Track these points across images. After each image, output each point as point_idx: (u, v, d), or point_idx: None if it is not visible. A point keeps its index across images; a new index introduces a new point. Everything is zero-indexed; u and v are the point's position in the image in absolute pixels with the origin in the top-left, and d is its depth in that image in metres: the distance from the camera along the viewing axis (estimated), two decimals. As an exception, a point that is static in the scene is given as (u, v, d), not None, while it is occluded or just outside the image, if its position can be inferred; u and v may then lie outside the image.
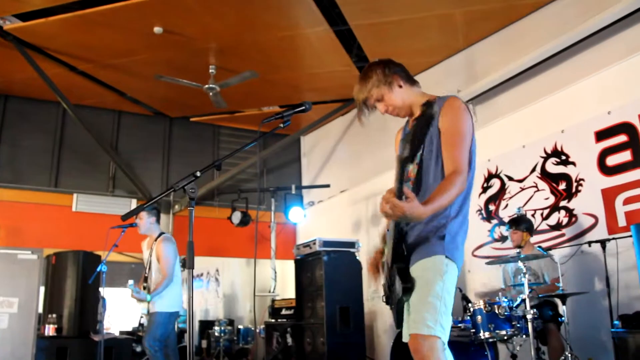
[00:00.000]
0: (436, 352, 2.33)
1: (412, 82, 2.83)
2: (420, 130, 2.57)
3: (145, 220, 5.85)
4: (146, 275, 5.85)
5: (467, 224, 2.65)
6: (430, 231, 2.53)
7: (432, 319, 2.35)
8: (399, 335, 5.38)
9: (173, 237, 6.02)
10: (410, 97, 2.77)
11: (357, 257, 6.71)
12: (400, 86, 2.76)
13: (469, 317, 4.83)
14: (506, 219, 6.25)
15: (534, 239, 5.61)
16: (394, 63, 2.84)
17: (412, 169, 2.65)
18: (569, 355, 4.45)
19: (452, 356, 2.41)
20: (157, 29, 6.64)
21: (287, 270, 8.90)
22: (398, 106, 2.76)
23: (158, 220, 5.98)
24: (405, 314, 2.59)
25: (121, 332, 10.22)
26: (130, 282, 5.81)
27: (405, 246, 2.56)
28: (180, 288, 5.82)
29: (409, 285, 2.50)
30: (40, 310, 7.52)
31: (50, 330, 7.08)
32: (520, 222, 5.35)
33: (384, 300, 2.81)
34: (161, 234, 5.92)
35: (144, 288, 5.76)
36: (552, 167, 5.89)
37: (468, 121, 2.60)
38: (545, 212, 5.90)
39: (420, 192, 2.58)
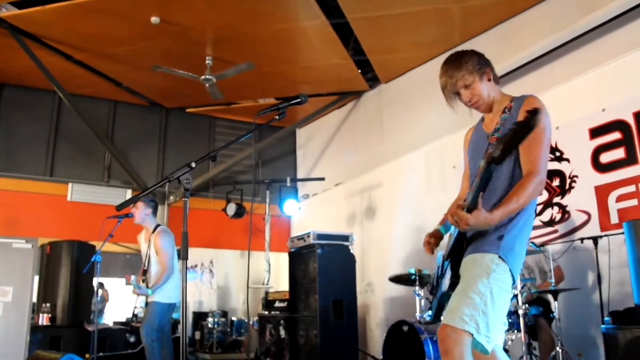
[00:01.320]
0: (460, 348, 2.27)
1: (498, 80, 2.81)
2: (519, 134, 2.17)
3: (141, 211, 5.85)
4: (145, 268, 5.85)
5: (530, 230, 2.57)
6: (493, 228, 2.45)
7: (468, 314, 2.29)
8: (391, 329, 5.41)
9: (168, 227, 6.03)
10: (493, 94, 2.75)
11: (351, 251, 6.72)
12: (490, 80, 2.75)
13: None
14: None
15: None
16: (486, 57, 2.84)
17: (482, 164, 2.44)
18: (560, 350, 4.49)
19: None
20: (154, 19, 6.62)
21: (281, 262, 8.92)
22: (483, 98, 2.73)
23: (154, 213, 5.98)
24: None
25: (115, 323, 10.22)
26: (133, 277, 5.83)
27: (465, 241, 2.54)
28: (178, 279, 5.82)
29: (456, 280, 2.49)
30: (35, 299, 7.53)
31: (44, 319, 7.10)
32: None
33: (429, 290, 2.81)
34: (157, 226, 5.92)
35: (143, 281, 5.77)
36: (546, 164, 5.90)
37: (547, 122, 2.56)
38: (539, 208, 5.92)
39: (489, 187, 2.47)
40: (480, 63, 2.74)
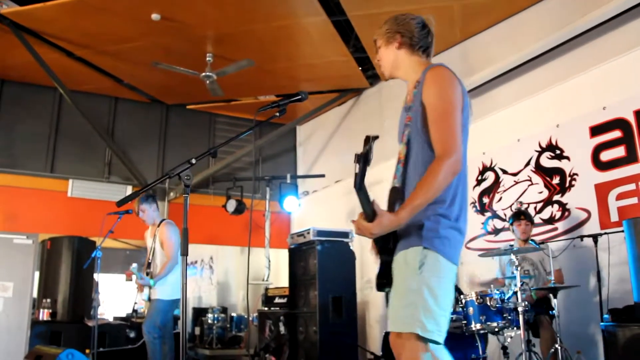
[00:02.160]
0: (409, 352, 2.19)
1: (416, 49, 2.58)
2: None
3: (149, 211, 5.92)
4: (149, 261, 5.87)
5: (460, 208, 2.38)
6: (412, 220, 2.27)
7: (408, 315, 2.19)
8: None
9: (173, 221, 6.06)
10: (403, 63, 2.60)
11: (351, 247, 6.74)
12: (398, 47, 2.58)
13: (460, 309, 4.87)
14: (500, 212, 6.29)
15: (527, 232, 5.65)
16: (411, 23, 2.62)
17: (401, 149, 2.47)
18: (559, 347, 4.50)
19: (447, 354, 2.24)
20: (155, 16, 6.62)
21: (280, 259, 8.94)
22: (385, 64, 2.64)
23: (157, 207, 6.04)
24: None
25: (115, 318, 10.25)
26: (134, 265, 5.85)
27: (393, 237, 2.37)
28: (180, 275, 5.84)
29: (383, 281, 2.38)
30: (35, 294, 7.55)
31: (44, 314, 7.12)
32: (524, 214, 5.40)
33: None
34: (162, 220, 5.96)
35: (147, 274, 5.79)
36: (546, 161, 5.92)
37: (454, 92, 2.34)
38: (539, 205, 5.93)
39: (407, 175, 2.41)
40: (392, 28, 2.59)
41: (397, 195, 2.36)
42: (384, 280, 2.37)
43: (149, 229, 6.14)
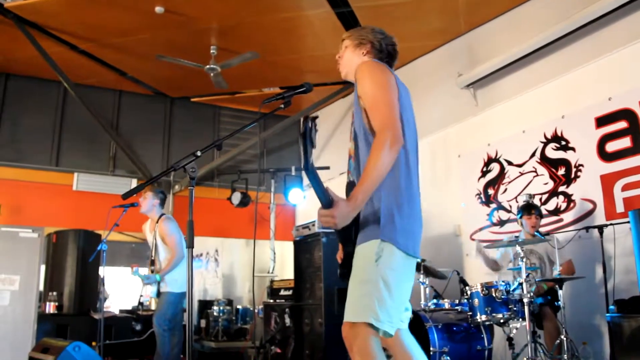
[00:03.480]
0: (360, 341, 2.23)
1: (381, 58, 2.70)
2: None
3: (149, 201, 5.88)
4: (152, 258, 5.88)
5: (418, 206, 2.44)
6: (369, 213, 2.36)
7: (362, 305, 2.24)
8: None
9: (173, 216, 6.05)
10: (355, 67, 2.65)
11: (356, 239, 6.73)
12: (365, 54, 2.71)
13: (466, 300, 4.88)
14: (505, 204, 6.28)
15: (533, 223, 5.64)
16: (383, 38, 2.75)
17: (350, 146, 2.59)
18: (565, 338, 4.50)
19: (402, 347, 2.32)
20: (159, 9, 6.61)
21: (286, 251, 8.95)
22: (346, 65, 2.76)
23: (162, 205, 6.01)
24: None
25: (121, 311, 10.29)
26: (135, 268, 5.85)
27: (355, 228, 2.42)
28: (185, 268, 5.85)
29: (345, 271, 2.43)
30: (41, 288, 7.59)
31: (51, 307, 7.16)
32: (533, 207, 5.38)
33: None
34: (162, 215, 5.95)
35: (152, 271, 5.80)
36: (551, 153, 5.90)
37: (382, 77, 2.43)
38: (544, 197, 5.92)
39: (360, 169, 2.46)
40: (365, 36, 2.72)
41: (351, 188, 2.40)
42: (345, 270, 2.43)
43: (148, 224, 6.13)
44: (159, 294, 5.82)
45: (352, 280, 2.35)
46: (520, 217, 5.42)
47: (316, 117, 2.14)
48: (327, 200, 2.18)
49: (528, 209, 5.39)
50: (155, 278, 5.67)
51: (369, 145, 2.36)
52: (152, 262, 5.90)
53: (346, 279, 2.42)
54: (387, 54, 2.74)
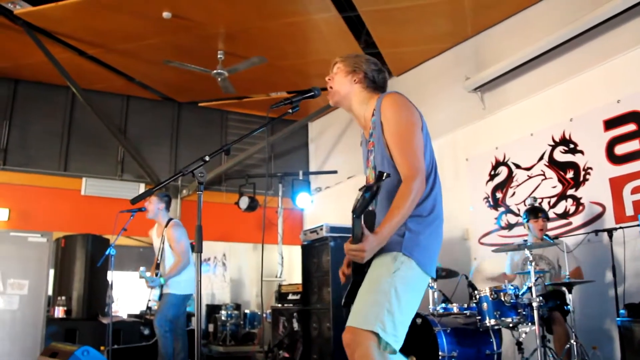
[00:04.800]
0: (363, 349, 2.19)
1: (371, 88, 2.68)
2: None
3: (154, 205, 5.89)
4: (158, 262, 5.90)
5: (439, 225, 2.50)
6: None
7: (372, 314, 2.21)
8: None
9: (181, 221, 6.07)
10: (350, 94, 2.68)
11: (364, 244, 6.71)
12: (356, 82, 2.67)
13: (474, 304, 4.85)
14: (513, 207, 6.26)
15: (540, 227, 5.61)
16: (378, 69, 2.72)
17: (369, 174, 2.63)
18: (574, 343, 4.47)
19: None
20: (166, 14, 6.64)
21: (293, 255, 8.94)
22: (337, 91, 2.69)
23: (167, 208, 6.02)
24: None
25: (129, 315, 10.30)
26: (142, 268, 5.87)
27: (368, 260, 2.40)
28: (192, 271, 5.86)
29: (349, 300, 2.42)
30: (50, 292, 7.61)
31: (59, 312, 7.17)
32: (539, 211, 5.34)
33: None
34: (170, 220, 5.96)
35: (156, 275, 5.82)
36: (560, 156, 5.88)
37: (409, 115, 2.46)
38: (553, 200, 5.89)
39: (379, 197, 2.45)
40: (359, 64, 2.67)
41: (372, 218, 2.42)
42: (350, 300, 2.43)
43: (155, 228, 6.15)
44: (161, 296, 5.84)
45: (365, 288, 2.35)
46: (527, 221, 5.36)
47: (389, 176, 2.16)
48: (358, 235, 2.20)
49: (534, 212, 5.33)
50: (160, 281, 5.69)
51: (391, 170, 2.42)
52: (157, 266, 5.92)
53: (348, 307, 2.42)
54: (378, 86, 2.70)
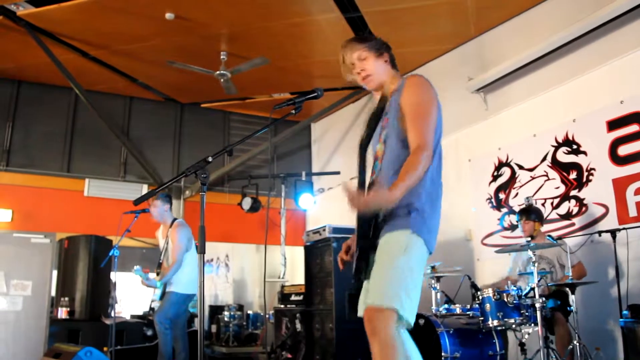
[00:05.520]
0: (388, 326, 2.26)
1: (395, 67, 2.86)
2: (378, 112, 2.71)
3: (159, 208, 5.94)
4: (161, 261, 5.94)
5: (439, 209, 2.58)
6: (398, 207, 2.45)
7: (392, 291, 2.29)
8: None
9: (185, 222, 6.08)
10: (385, 74, 2.80)
11: (367, 244, 6.70)
12: (386, 61, 2.81)
13: (477, 305, 4.85)
14: (516, 208, 6.25)
15: (544, 227, 5.60)
16: (388, 45, 2.90)
17: (379, 147, 2.69)
18: (577, 344, 4.47)
19: (410, 341, 2.31)
20: (169, 15, 6.65)
21: (296, 256, 8.94)
22: (372, 74, 2.78)
23: (171, 208, 6.06)
24: (363, 293, 2.55)
25: (132, 316, 10.32)
26: (137, 267, 5.91)
27: (374, 224, 2.50)
28: (196, 271, 5.89)
29: (362, 264, 2.49)
30: (53, 293, 7.62)
31: (62, 313, 7.18)
32: (530, 212, 5.37)
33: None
34: (174, 220, 5.98)
35: (158, 274, 5.86)
36: (563, 156, 5.87)
37: (430, 96, 2.60)
38: (556, 201, 5.89)
39: (382, 169, 2.62)
40: (380, 44, 2.83)
41: (378, 187, 2.51)
42: (364, 272, 2.50)
43: (161, 229, 6.18)
44: (162, 295, 5.88)
45: (379, 266, 2.41)
46: (518, 220, 5.45)
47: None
48: (363, 178, 2.33)
49: (524, 213, 5.41)
50: (155, 284, 5.78)
51: (399, 151, 2.55)
52: (159, 266, 5.96)
53: (360, 275, 2.51)
54: (395, 64, 2.88)
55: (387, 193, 2.25)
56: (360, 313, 2.49)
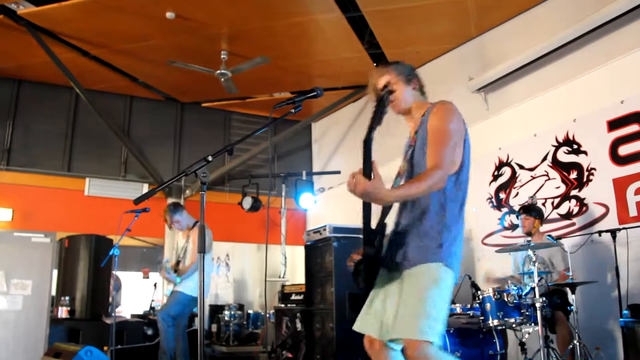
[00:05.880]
0: (426, 356, 2.34)
1: (424, 94, 2.93)
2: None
3: (183, 220, 6.14)
4: (179, 259, 6.06)
5: (462, 232, 2.65)
6: (427, 235, 2.54)
7: (426, 325, 2.36)
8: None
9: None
10: (413, 100, 2.86)
11: (367, 244, 6.70)
12: (414, 89, 2.86)
13: (477, 305, 4.85)
14: (517, 208, 6.25)
15: (544, 227, 5.60)
16: (415, 71, 2.95)
17: (402, 165, 2.78)
18: (577, 343, 4.47)
19: (440, 352, 2.41)
20: (170, 14, 6.65)
21: (297, 255, 8.94)
22: (402, 101, 2.82)
23: (186, 212, 6.26)
24: (367, 306, 2.67)
25: (132, 315, 10.31)
26: (166, 258, 6.00)
27: (379, 234, 2.56)
28: (208, 276, 6.02)
29: (373, 271, 2.55)
30: (54, 292, 7.62)
31: (63, 312, 7.18)
32: (531, 209, 5.38)
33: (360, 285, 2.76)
34: (196, 222, 6.18)
35: (175, 272, 6.01)
36: (563, 156, 5.87)
37: (455, 121, 2.65)
38: (556, 201, 5.88)
39: (408, 176, 2.71)
40: (410, 72, 2.88)
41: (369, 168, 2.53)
42: (373, 280, 2.59)
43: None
44: (171, 293, 6.01)
45: (412, 297, 2.46)
46: (518, 216, 5.49)
47: (391, 92, 2.60)
48: (369, 174, 2.32)
49: (525, 209, 5.46)
50: (175, 279, 5.86)
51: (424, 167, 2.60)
52: (177, 263, 6.10)
53: (370, 280, 2.59)
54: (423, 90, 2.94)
55: (386, 191, 2.28)
56: (360, 329, 2.65)
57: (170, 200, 9.22)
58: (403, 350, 2.43)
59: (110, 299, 7.76)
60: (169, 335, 5.79)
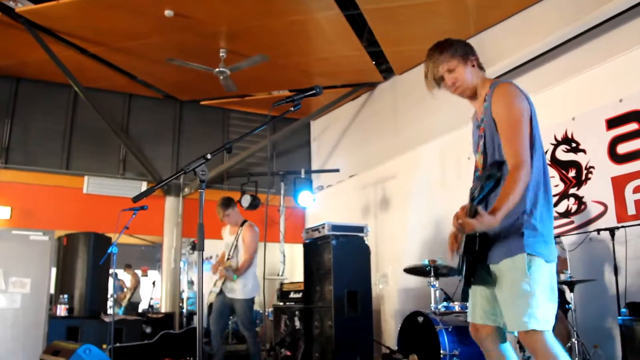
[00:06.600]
0: (540, 344, 2.40)
1: (482, 67, 2.84)
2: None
3: (232, 215, 6.19)
4: (229, 257, 6.11)
5: (551, 209, 2.60)
6: (509, 228, 2.52)
7: (526, 315, 2.39)
8: (406, 320, 5.41)
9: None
10: (477, 79, 2.78)
11: (366, 242, 6.72)
12: (474, 66, 2.78)
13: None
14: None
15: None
16: (471, 45, 2.89)
17: (478, 158, 2.76)
18: (576, 342, 4.47)
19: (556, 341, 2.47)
20: (168, 12, 6.64)
21: (295, 254, 8.94)
22: (466, 82, 2.76)
23: (238, 209, 6.33)
24: (472, 298, 2.74)
25: (132, 313, 10.31)
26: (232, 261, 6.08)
27: (479, 240, 2.56)
28: (256, 275, 6.13)
29: (471, 279, 2.59)
30: (52, 290, 7.62)
31: (61, 310, 7.18)
32: None
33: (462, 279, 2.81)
34: (245, 221, 6.21)
35: (233, 270, 6.04)
36: (562, 155, 5.87)
37: (521, 106, 2.58)
38: (555, 199, 5.89)
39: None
40: (465, 49, 2.81)
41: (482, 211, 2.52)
42: (472, 278, 2.60)
43: (228, 227, 6.35)
44: (220, 292, 6.07)
45: (508, 294, 2.50)
46: None
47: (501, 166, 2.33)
48: (473, 212, 2.34)
49: None
50: (233, 276, 5.90)
51: (499, 156, 2.58)
52: (227, 260, 6.16)
53: (469, 286, 2.65)
54: (479, 58, 2.88)
55: (490, 219, 2.31)
56: (474, 319, 2.76)
57: (169, 198, 9.24)
58: (520, 340, 2.51)
59: (112, 298, 7.75)
60: (254, 340, 5.98)
